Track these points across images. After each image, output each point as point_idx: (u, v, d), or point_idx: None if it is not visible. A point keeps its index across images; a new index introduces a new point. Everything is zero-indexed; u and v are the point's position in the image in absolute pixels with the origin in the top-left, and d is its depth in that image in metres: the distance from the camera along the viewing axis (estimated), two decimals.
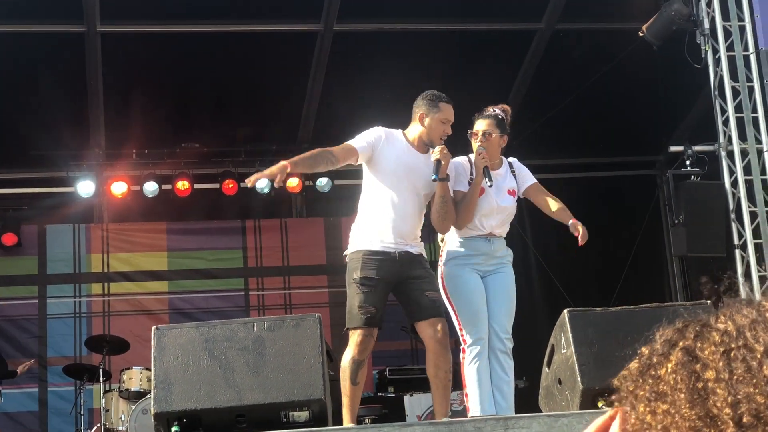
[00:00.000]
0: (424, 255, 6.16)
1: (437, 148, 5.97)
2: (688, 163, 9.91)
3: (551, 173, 13.00)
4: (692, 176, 9.88)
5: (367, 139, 5.98)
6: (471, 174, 6.29)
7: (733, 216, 9.08)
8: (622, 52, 10.60)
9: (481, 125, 6.27)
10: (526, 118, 12.10)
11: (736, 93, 9.14)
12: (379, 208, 5.96)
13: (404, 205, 5.96)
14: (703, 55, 9.24)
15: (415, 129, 6.15)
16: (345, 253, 6.08)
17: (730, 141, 9.14)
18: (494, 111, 6.35)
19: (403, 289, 5.93)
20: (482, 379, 5.95)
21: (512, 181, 6.42)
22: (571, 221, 6.46)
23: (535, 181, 6.54)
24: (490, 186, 6.07)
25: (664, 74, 10.71)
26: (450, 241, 6.27)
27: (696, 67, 9.30)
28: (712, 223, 9.32)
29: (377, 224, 5.93)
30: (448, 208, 6.05)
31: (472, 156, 6.32)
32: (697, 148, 9.80)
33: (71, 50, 10.65)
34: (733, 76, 9.14)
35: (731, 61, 9.13)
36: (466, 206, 6.14)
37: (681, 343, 1.14)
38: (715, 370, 1.09)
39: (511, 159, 6.55)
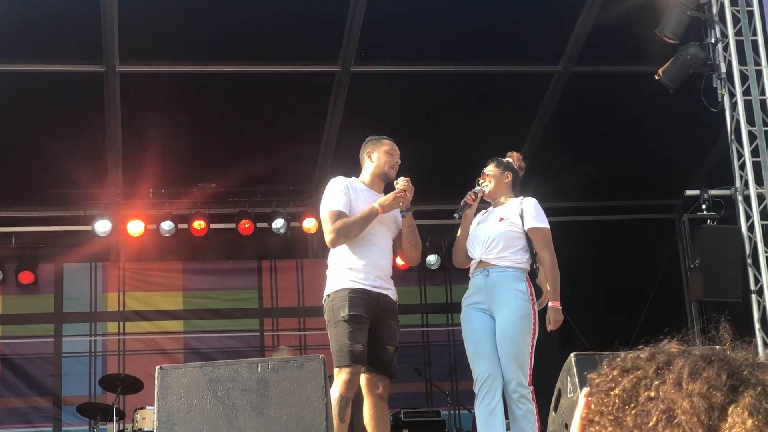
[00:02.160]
0: (397, 303, 6.31)
1: (400, 181, 6.21)
2: (704, 207, 9.86)
3: (570, 216, 13.02)
4: (708, 220, 9.83)
5: (343, 199, 6.16)
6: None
7: (749, 261, 9.00)
8: (639, 96, 10.59)
9: (485, 169, 6.59)
10: (544, 160, 12.09)
11: (752, 137, 9.09)
12: (357, 249, 6.10)
13: (378, 244, 6.13)
14: (720, 99, 9.21)
15: (367, 169, 6.40)
16: (326, 293, 6.14)
17: (746, 185, 9.08)
18: (497, 157, 6.62)
19: (371, 332, 6.02)
20: (484, 419, 6.03)
21: (514, 213, 6.42)
22: (551, 304, 6.32)
23: (538, 227, 6.41)
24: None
25: (681, 118, 10.68)
26: None
27: (712, 111, 9.27)
28: (728, 267, 9.24)
29: (357, 264, 6.05)
30: (417, 237, 6.31)
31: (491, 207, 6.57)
32: (713, 192, 9.75)
33: (90, 90, 10.73)
34: (750, 120, 9.10)
35: (748, 105, 9.09)
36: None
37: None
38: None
39: (528, 198, 6.55)
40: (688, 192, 10.11)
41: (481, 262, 6.31)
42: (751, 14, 9.19)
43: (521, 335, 6.15)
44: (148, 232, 12.07)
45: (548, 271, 6.33)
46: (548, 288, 6.35)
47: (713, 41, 9.27)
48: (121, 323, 12.35)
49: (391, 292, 6.19)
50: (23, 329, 12.16)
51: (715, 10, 9.28)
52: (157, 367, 4.98)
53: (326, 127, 11.49)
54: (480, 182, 6.56)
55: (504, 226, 6.34)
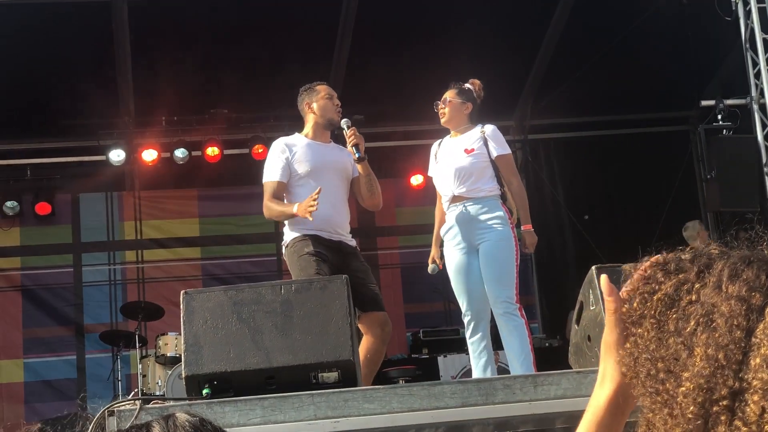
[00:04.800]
0: (357, 247, 6.47)
1: (348, 134, 6.22)
2: (720, 117, 9.81)
3: (583, 131, 12.97)
4: (724, 130, 9.79)
5: (280, 165, 6.28)
6: (437, 153, 6.68)
7: (766, 170, 8.98)
8: (652, 7, 10.47)
9: (444, 95, 6.64)
10: (556, 77, 12.02)
11: (767, 45, 9.01)
12: None
13: (329, 197, 6.15)
14: (734, 8, 9.12)
15: (310, 121, 6.46)
16: (284, 242, 6.31)
17: (762, 94, 9.03)
18: (459, 83, 6.68)
19: None
20: (475, 350, 6.32)
21: (477, 143, 6.52)
22: (523, 227, 6.55)
23: (503, 154, 6.58)
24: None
25: (695, 28, 10.57)
26: None
27: (726, 19, 9.18)
28: (745, 177, 9.23)
29: (313, 215, 6.06)
30: (375, 183, 6.37)
31: (447, 136, 6.69)
32: (728, 101, 9.71)
33: (98, 19, 10.66)
34: (765, 28, 9.02)
35: (762, 12, 9.01)
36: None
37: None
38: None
39: (488, 126, 6.66)
40: (704, 102, 10.07)
41: (455, 196, 6.45)
42: None
43: (504, 256, 6.33)
44: (162, 160, 12.07)
45: (517, 196, 6.56)
46: (524, 213, 6.58)
47: None
48: (139, 251, 12.41)
49: (348, 239, 6.35)
50: (42, 260, 12.23)
51: None
52: (182, 292, 5.02)
53: (337, 49, 11.41)
54: (438, 108, 6.65)
55: (471, 157, 6.46)
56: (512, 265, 6.35)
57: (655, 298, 1.18)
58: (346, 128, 6.27)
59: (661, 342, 1.14)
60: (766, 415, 1.05)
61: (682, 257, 1.21)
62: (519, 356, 6.17)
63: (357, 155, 6.21)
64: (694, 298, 1.15)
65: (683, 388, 1.09)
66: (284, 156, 6.30)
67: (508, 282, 6.30)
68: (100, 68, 11.20)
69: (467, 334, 6.46)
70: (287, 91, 11.83)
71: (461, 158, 6.48)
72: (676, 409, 1.10)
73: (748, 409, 1.06)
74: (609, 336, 1.23)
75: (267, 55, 11.42)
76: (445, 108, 6.59)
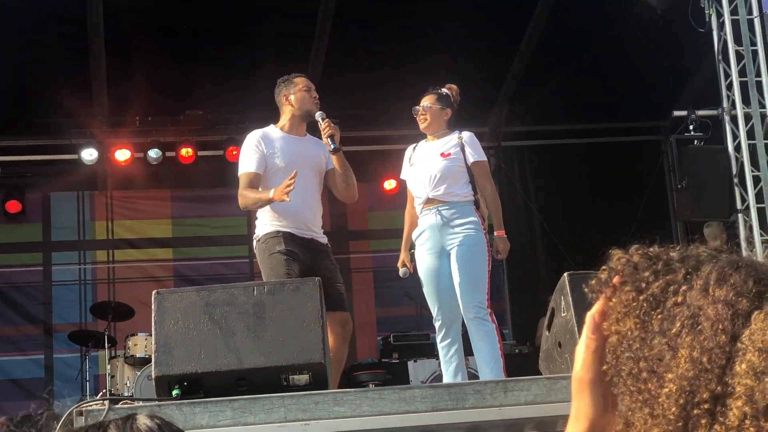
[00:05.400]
0: (328, 245, 6.44)
1: (323, 125, 6.20)
2: (691, 127, 9.88)
3: (556, 139, 13.04)
4: (696, 141, 9.86)
5: (256, 157, 6.25)
6: (411, 157, 6.69)
7: (736, 180, 9.06)
8: (626, 17, 10.54)
9: (423, 100, 6.66)
10: (530, 84, 12.08)
11: (740, 57, 9.09)
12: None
13: (303, 193, 6.14)
14: (707, 19, 9.19)
15: (286, 114, 6.42)
16: (256, 237, 6.30)
17: (733, 105, 9.10)
18: (438, 88, 6.71)
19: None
20: (446, 355, 6.35)
21: (454, 148, 6.58)
22: (495, 233, 6.60)
23: (479, 160, 6.65)
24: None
25: (668, 39, 10.64)
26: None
27: (700, 31, 9.25)
28: (716, 187, 9.30)
29: (282, 211, 6.14)
30: (350, 175, 6.34)
31: (423, 140, 6.71)
32: (700, 112, 9.77)
33: (73, 17, 10.61)
34: (737, 40, 9.10)
35: (735, 24, 9.07)
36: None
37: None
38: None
39: (465, 132, 6.72)
40: (676, 113, 10.14)
41: (429, 199, 6.48)
42: None
43: (476, 261, 6.38)
44: (135, 161, 12.03)
45: (491, 202, 6.64)
46: (497, 219, 6.64)
47: None
48: (110, 251, 12.35)
49: (319, 236, 6.34)
50: (12, 258, 12.15)
51: None
52: (154, 292, 5.01)
53: (312, 52, 11.41)
54: (417, 114, 6.67)
55: (447, 161, 6.51)
56: (484, 271, 6.40)
57: (641, 297, 1.19)
58: (320, 120, 6.25)
59: (645, 342, 1.15)
60: (746, 421, 1.07)
61: (671, 255, 1.21)
62: (489, 362, 6.20)
63: (333, 146, 6.18)
64: (680, 300, 1.16)
65: (666, 389, 1.11)
66: (260, 148, 6.28)
67: (479, 287, 6.34)
68: (74, 66, 11.13)
69: (438, 338, 6.49)
70: (262, 94, 11.82)
71: (437, 162, 6.51)
72: (657, 410, 1.11)
73: (731, 414, 1.07)
74: (585, 374, 1.21)
75: (243, 58, 11.41)
76: (426, 114, 6.61)
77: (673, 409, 1.10)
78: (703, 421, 1.08)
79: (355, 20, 11.09)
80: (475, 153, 6.59)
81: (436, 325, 6.47)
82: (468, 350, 6.61)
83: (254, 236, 6.38)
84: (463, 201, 6.47)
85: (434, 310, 6.46)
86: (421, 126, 6.68)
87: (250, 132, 6.52)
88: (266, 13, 10.92)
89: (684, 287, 1.16)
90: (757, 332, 1.10)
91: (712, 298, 1.13)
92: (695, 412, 1.09)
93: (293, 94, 6.39)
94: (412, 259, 6.65)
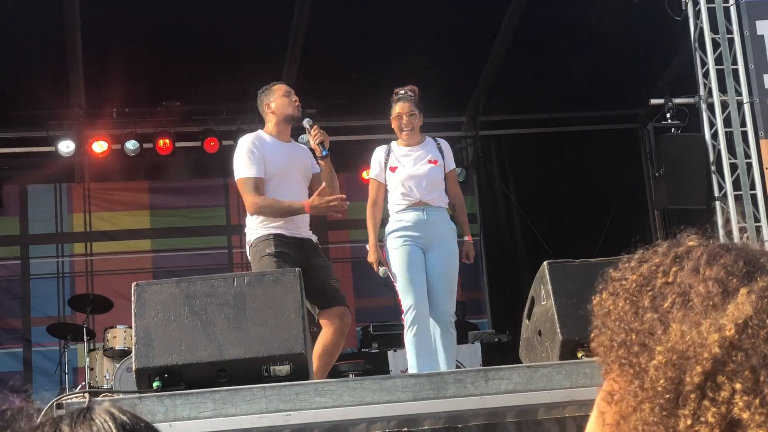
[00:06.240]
0: (318, 243, 6.56)
1: (313, 132, 6.31)
2: (668, 115, 9.91)
3: (533, 128, 13.06)
4: (673, 129, 9.89)
5: (256, 161, 6.27)
6: (387, 159, 6.74)
7: (713, 168, 9.10)
8: (603, 5, 10.56)
9: (402, 108, 6.69)
10: (508, 73, 12.09)
11: (716, 45, 9.12)
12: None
13: (293, 194, 6.27)
14: (684, 8, 9.22)
15: (270, 121, 6.49)
16: (248, 241, 6.34)
17: (710, 93, 9.14)
18: (407, 93, 6.75)
19: (306, 277, 6.08)
20: (418, 343, 6.42)
21: (437, 154, 6.76)
22: (466, 238, 6.81)
23: (454, 168, 6.95)
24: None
25: (645, 27, 10.68)
26: (390, 218, 6.68)
27: (676, 19, 9.28)
28: (693, 175, 9.34)
29: (274, 217, 6.23)
30: (335, 179, 6.45)
31: (393, 143, 6.81)
32: (677, 100, 9.80)
33: (49, 8, 10.54)
34: (714, 28, 9.13)
35: (711, 12, 9.10)
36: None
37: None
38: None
39: (442, 140, 6.96)
40: (653, 101, 10.16)
41: (420, 202, 6.61)
42: None
43: (455, 272, 6.62)
44: (113, 152, 11.99)
45: (462, 208, 6.94)
46: (465, 226, 6.88)
47: None
48: (88, 244, 12.31)
49: (310, 235, 6.43)
50: None
51: None
52: (134, 284, 5.00)
53: (290, 42, 11.39)
54: (403, 122, 6.70)
55: (436, 169, 6.68)
56: (457, 278, 6.67)
57: (629, 279, 1.20)
58: (309, 127, 6.34)
59: (637, 315, 1.16)
60: (735, 397, 1.08)
61: (657, 249, 1.23)
62: (451, 365, 6.49)
63: (324, 153, 6.28)
64: (670, 279, 1.17)
65: (655, 361, 1.12)
66: (257, 151, 6.31)
67: (454, 297, 6.62)
68: (50, 58, 11.08)
69: (412, 331, 6.46)
70: (240, 84, 11.84)
71: (427, 168, 6.66)
72: (647, 383, 1.12)
73: (720, 391, 1.08)
74: None
75: (220, 48, 11.37)
76: (410, 124, 6.69)
77: (662, 381, 1.10)
78: (692, 396, 1.09)
79: (333, 9, 11.06)
80: (452, 161, 6.86)
81: (410, 315, 6.45)
82: None
83: (247, 242, 6.39)
84: (444, 207, 6.71)
85: (410, 300, 6.46)
86: (407, 136, 6.73)
87: (230, 130, 6.57)
88: (244, 3, 10.88)
89: (675, 268, 1.17)
90: (738, 307, 1.12)
91: (703, 276, 1.14)
92: (685, 386, 1.10)
93: (273, 102, 6.45)
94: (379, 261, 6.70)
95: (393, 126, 6.77)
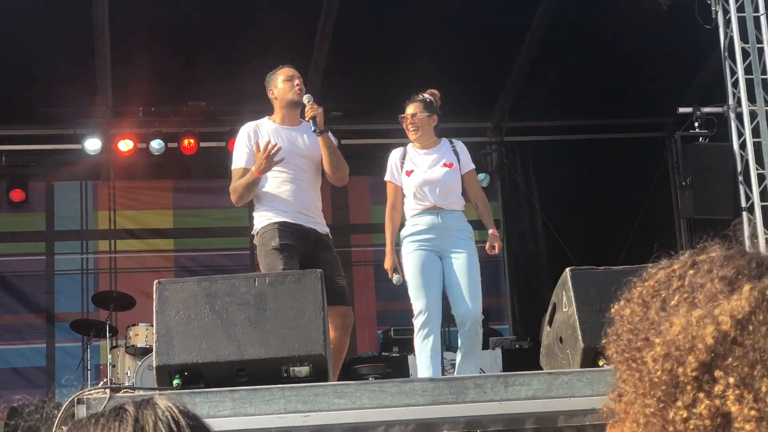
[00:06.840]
0: (330, 236, 6.45)
1: (307, 108, 6.24)
2: (696, 125, 9.85)
3: (559, 134, 13.01)
4: (701, 138, 9.83)
5: (246, 151, 6.27)
6: (403, 162, 6.72)
7: (741, 178, 9.03)
8: (632, 13, 10.51)
9: (410, 109, 6.74)
10: (534, 79, 12.05)
11: (746, 54, 9.06)
12: (277, 187, 6.22)
13: (298, 179, 6.22)
14: (714, 16, 9.16)
15: (276, 106, 6.45)
16: (254, 230, 6.33)
17: (739, 103, 9.08)
18: (420, 95, 6.78)
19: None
20: (427, 348, 6.40)
21: (452, 156, 6.75)
22: (491, 231, 6.77)
23: (473, 168, 6.90)
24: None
25: (674, 36, 10.62)
26: (406, 222, 6.67)
27: (706, 28, 9.22)
28: (720, 185, 9.28)
29: (281, 200, 6.18)
30: (338, 157, 6.34)
31: (410, 146, 6.80)
32: (706, 109, 9.74)
33: (78, 8, 10.59)
34: (744, 38, 9.07)
35: (741, 22, 9.04)
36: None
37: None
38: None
39: (456, 141, 6.91)
40: (681, 109, 10.10)
41: (435, 206, 6.60)
42: None
43: (476, 271, 6.56)
44: (138, 151, 12.02)
45: (485, 205, 6.92)
46: (489, 220, 6.84)
47: None
48: (112, 241, 12.36)
49: (319, 226, 6.34)
50: (15, 247, 12.16)
51: None
52: (156, 281, 5.01)
53: (317, 42, 11.39)
54: (407, 123, 6.71)
55: (451, 172, 6.66)
56: (480, 280, 6.59)
57: (647, 284, 1.20)
58: (306, 102, 6.28)
59: (645, 316, 1.16)
60: (728, 391, 1.08)
61: (681, 255, 1.23)
62: (478, 360, 6.53)
63: (314, 128, 6.20)
64: (685, 282, 1.17)
65: (653, 352, 1.12)
66: (249, 142, 6.29)
67: (478, 296, 6.53)
68: (78, 57, 11.13)
69: (421, 334, 6.46)
70: (265, 85, 11.89)
71: (442, 172, 6.65)
72: (645, 374, 1.12)
73: (716, 384, 1.09)
74: None
75: (246, 48, 11.38)
76: (415, 123, 6.69)
77: (659, 372, 1.11)
78: (688, 388, 1.10)
79: (359, 11, 11.06)
80: (469, 162, 6.82)
81: (421, 319, 6.44)
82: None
83: (253, 230, 6.38)
84: (461, 210, 6.70)
85: (421, 305, 6.44)
86: (413, 136, 6.77)
87: (243, 125, 6.55)
88: (271, 4, 10.91)
89: (691, 272, 1.17)
90: (736, 300, 1.12)
91: (714, 275, 1.14)
92: (681, 378, 1.10)
93: (275, 87, 6.44)
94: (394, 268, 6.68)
95: (403, 127, 6.81)
